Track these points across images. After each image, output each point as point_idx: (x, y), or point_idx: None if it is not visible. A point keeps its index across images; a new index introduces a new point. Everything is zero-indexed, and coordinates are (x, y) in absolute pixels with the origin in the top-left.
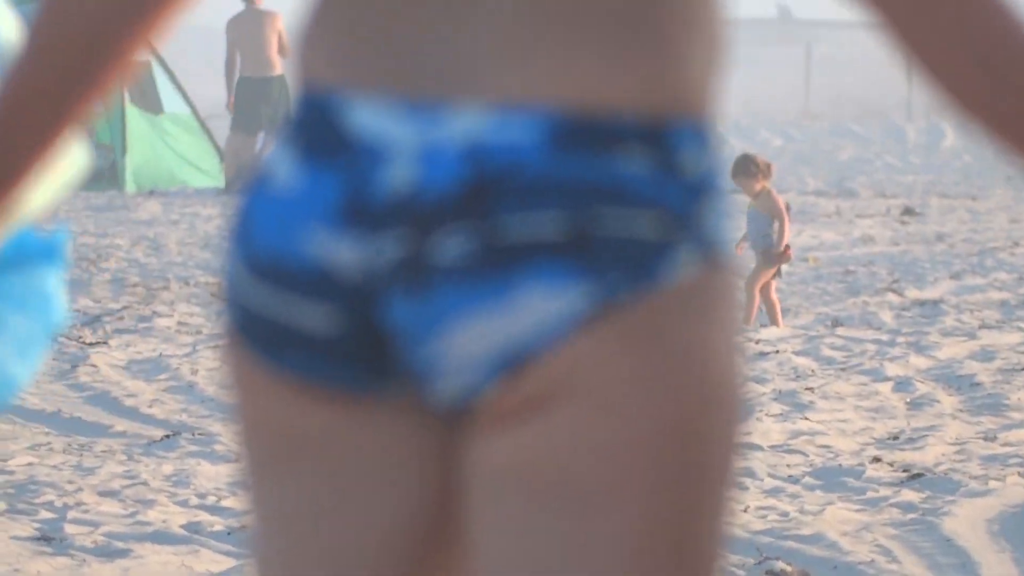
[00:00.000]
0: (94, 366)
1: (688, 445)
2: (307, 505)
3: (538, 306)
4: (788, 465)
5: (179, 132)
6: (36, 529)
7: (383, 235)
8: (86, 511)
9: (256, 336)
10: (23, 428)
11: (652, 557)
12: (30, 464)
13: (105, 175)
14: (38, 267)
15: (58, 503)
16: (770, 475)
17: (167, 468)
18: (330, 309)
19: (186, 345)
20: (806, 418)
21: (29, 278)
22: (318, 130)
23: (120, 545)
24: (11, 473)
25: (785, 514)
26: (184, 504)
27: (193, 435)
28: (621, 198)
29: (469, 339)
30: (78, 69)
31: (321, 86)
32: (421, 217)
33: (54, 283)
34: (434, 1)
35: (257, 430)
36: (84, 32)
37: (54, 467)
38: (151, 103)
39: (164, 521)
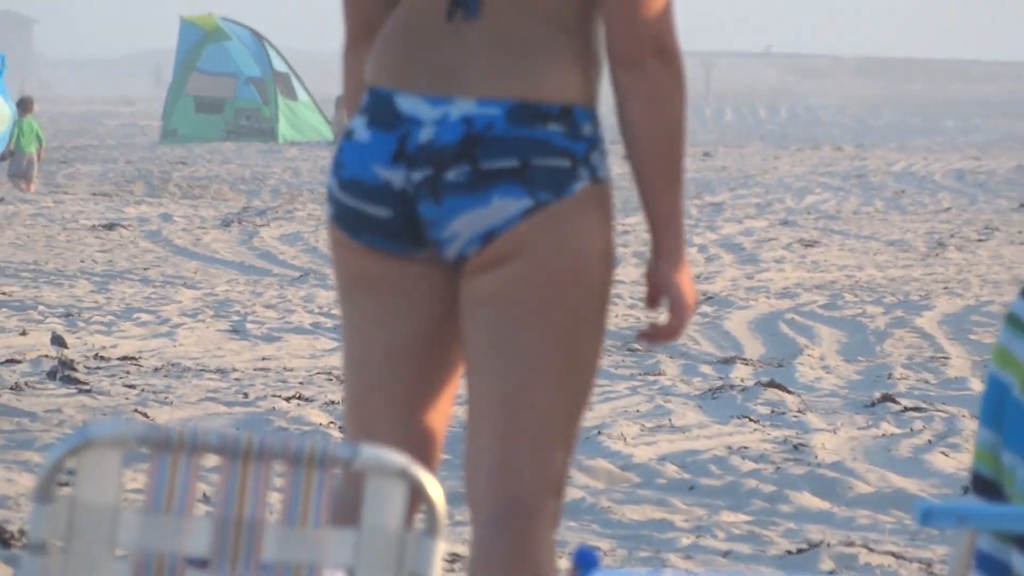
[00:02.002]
0: (262, 237)
1: (580, 282)
2: (370, 314)
3: (500, 205)
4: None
5: (305, 110)
6: (229, 325)
7: (416, 167)
8: (257, 315)
9: (345, 221)
10: (223, 271)
11: (555, 343)
12: (226, 290)
13: (268, 134)
14: None
15: (241, 312)
16: None
17: (301, 292)
18: (386, 207)
19: (312, 226)
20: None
21: None
22: (380, 110)
23: (276, 334)
24: (216, 295)
25: None
26: (311, 312)
27: (315, 275)
28: (547, 147)
29: (463, 224)
30: (359, 91)
31: (382, 86)
32: (436, 157)
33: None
34: (442, 41)
35: (345, 273)
36: (359, 77)
37: (239, 292)
38: (290, 94)
39: (300, 321)
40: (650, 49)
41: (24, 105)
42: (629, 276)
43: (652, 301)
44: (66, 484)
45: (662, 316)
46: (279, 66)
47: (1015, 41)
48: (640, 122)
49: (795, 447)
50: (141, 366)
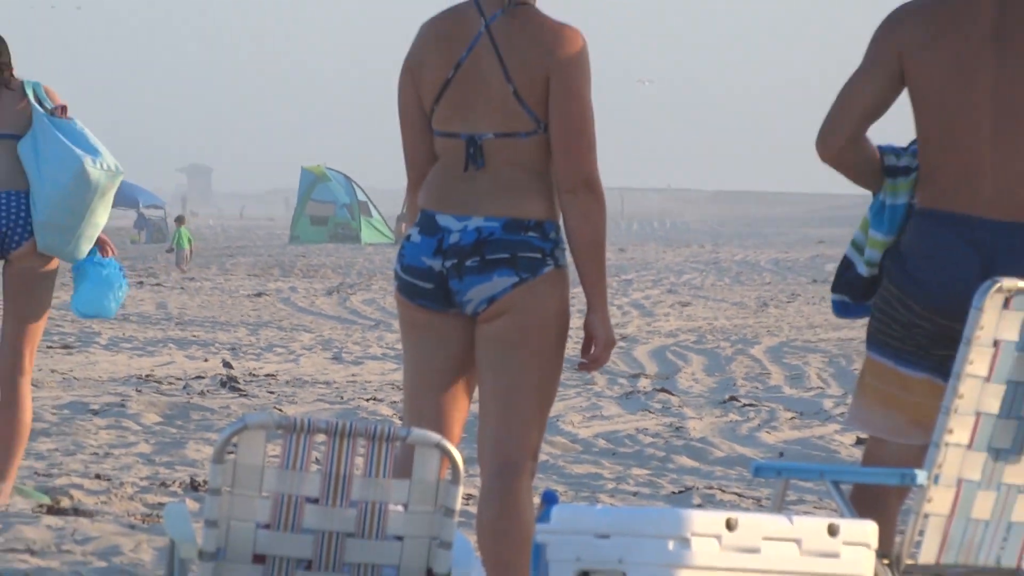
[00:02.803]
0: (351, 301)
1: (546, 329)
2: (419, 347)
3: (499, 281)
4: None
5: (378, 224)
6: (331, 355)
7: (448, 258)
8: (348, 349)
9: (405, 291)
10: (328, 321)
11: (537, 372)
12: (330, 334)
13: (355, 238)
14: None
15: (338, 346)
16: None
17: (375, 335)
18: (430, 282)
19: (381, 294)
20: None
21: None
22: (426, 223)
23: (360, 360)
24: (324, 336)
25: None
26: (381, 346)
27: (384, 324)
28: (527, 246)
29: (475, 293)
30: (414, 215)
31: (428, 208)
32: (460, 252)
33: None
34: (462, 183)
35: (405, 322)
36: (416, 207)
37: (338, 335)
38: (368, 214)
39: (375, 352)
40: (581, 183)
41: (180, 220)
42: (575, 324)
43: (587, 347)
44: (231, 452)
45: (593, 351)
46: (361, 197)
47: (815, 177)
48: (575, 229)
49: (676, 428)
50: (277, 380)
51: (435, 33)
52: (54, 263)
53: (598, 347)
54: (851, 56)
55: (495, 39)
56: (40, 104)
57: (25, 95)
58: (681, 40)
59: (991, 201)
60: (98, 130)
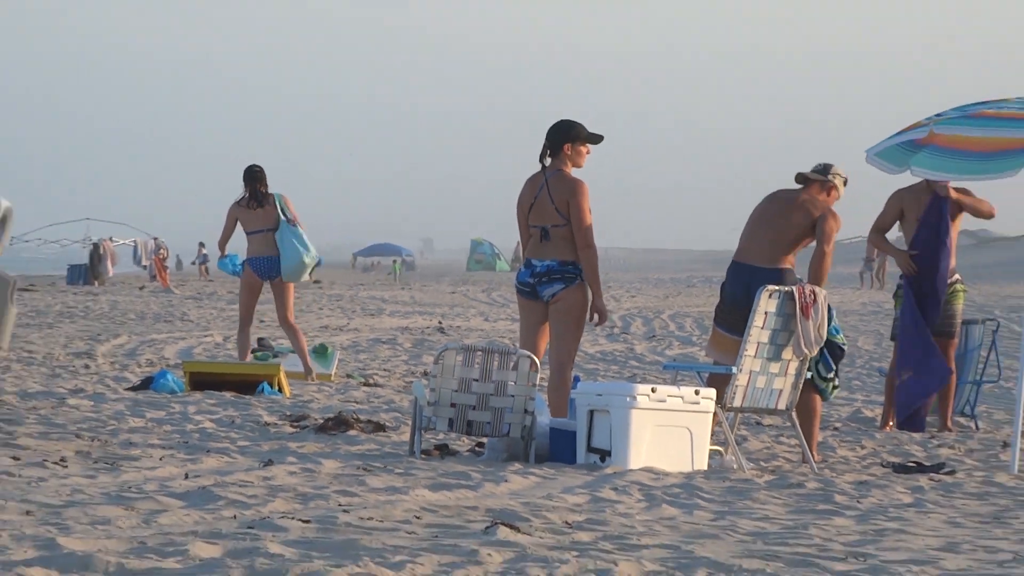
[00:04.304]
0: (492, 294)
1: (577, 309)
2: (524, 316)
3: (557, 287)
4: None
5: (503, 262)
6: (487, 320)
7: (535, 277)
8: (494, 318)
9: (519, 291)
10: (481, 306)
11: (573, 327)
12: (484, 311)
13: (493, 268)
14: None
15: (491, 317)
16: None
17: (507, 310)
18: (528, 288)
19: (507, 291)
20: None
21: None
22: (527, 263)
23: (493, 322)
24: (485, 313)
25: None
26: (508, 317)
27: (506, 306)
28: (568, 271)
29: (546, 292)
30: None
31: (527, 256)
32: (540, 275)
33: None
34: (539, 245)
35: (519, 304)
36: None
37: (491, 312)
38: (497, 258)
39: (503, 316)
40: (584, 246)
41: (398, 261)
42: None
43: (591, 315)
44: (441, 360)
45: (596, 318)
46: (496, 251)
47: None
48: (584, 264)
49: (631, 349)
50: (460, 329)
51: (528, 181)
52: (291, 285)
53: (599, 316)
54: None
55: (549, 186)
56: (282, 212)
57: (275, 205)
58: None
59: (743, 252)
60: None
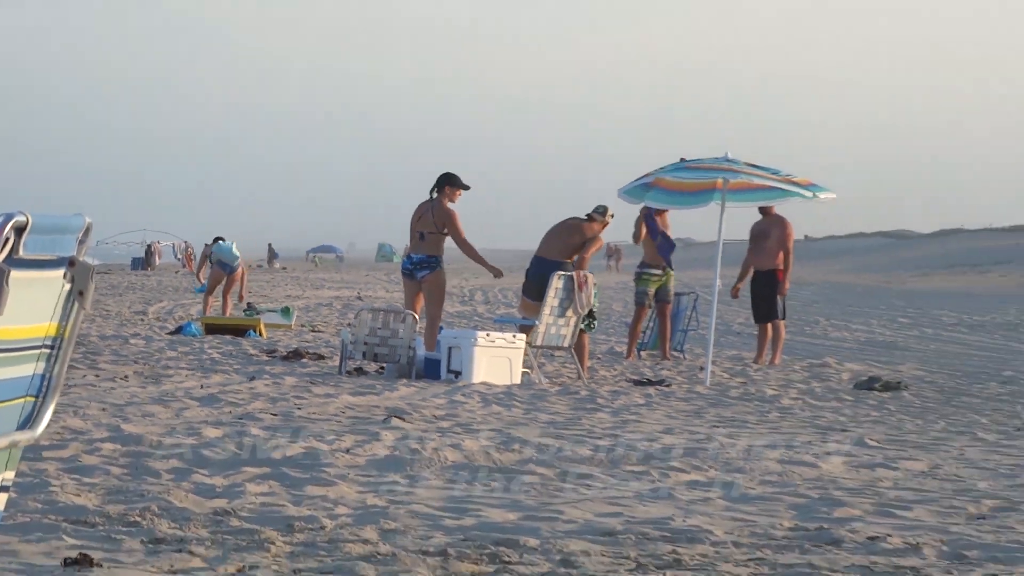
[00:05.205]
0: (390, 277)
1: (438, 285)
2: (407, 290)
3: (424, 272)
4: None
5: (398, 255)
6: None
7: (414, 264)
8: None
9: (404, 272)
10: (384, 283)
11: (438, 295)
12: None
13: (391, 260)
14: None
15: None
16: None
17: (399, 290)
18: (409, 272)
19: (397, 274)
20: None
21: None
22: (408, 257)
23: (386, 298)
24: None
25: None
26: (394, 290)
27: (397, 282)
28: (433, 262)
29: (420, 275)
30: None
31: (410, 252)
32: (417, 263)
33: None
34: (416, 244)
35: (404, 281)
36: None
37: (391, 295)
38: (394, 252)
39: (393, 295)
40: (464, 247)
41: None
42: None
43: (494, 273)
44: (357, 317)
45: (495, 275)
46: (393, 250)
47: None
48: (468, 254)
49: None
50: (382, 300)
51: (420, 204)
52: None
53: (496, 272)
54: None
55: (433, 208)
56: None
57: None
58: None
59: (543, 251)
60: None
